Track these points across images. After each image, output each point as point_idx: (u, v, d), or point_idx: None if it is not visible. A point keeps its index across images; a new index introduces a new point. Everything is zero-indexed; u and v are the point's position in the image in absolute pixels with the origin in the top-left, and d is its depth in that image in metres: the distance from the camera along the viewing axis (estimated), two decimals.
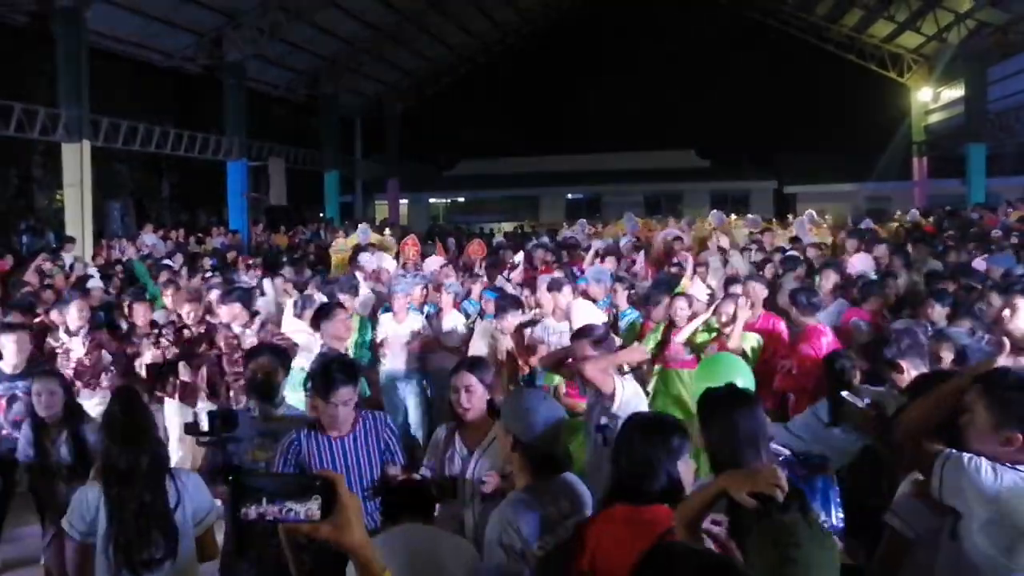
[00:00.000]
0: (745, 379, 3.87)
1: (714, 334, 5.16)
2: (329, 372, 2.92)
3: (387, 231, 14.70)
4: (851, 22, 21.76)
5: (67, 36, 13.02)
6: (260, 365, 3.29)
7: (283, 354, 3.49)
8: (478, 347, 5.45)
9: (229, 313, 5.60)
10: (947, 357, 3.37)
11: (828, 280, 6.48)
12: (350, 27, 18.85)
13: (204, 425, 3.06)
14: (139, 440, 2.63)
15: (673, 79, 27.31)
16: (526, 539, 2.19)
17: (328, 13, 17.39)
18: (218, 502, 2.87)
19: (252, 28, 16.29)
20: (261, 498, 1.15)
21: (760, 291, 5.84)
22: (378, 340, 5.82)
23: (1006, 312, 3.84)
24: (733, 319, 5.03)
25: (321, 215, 21.73)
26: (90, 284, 8.64)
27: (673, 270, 7.96)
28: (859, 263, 7.86)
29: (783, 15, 23.18)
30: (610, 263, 8.31)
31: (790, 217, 17.81)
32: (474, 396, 2.86)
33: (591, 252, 9.05)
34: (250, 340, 5.50)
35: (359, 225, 14.12)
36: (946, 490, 1.99)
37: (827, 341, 4.86)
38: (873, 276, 6.88)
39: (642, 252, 10.14)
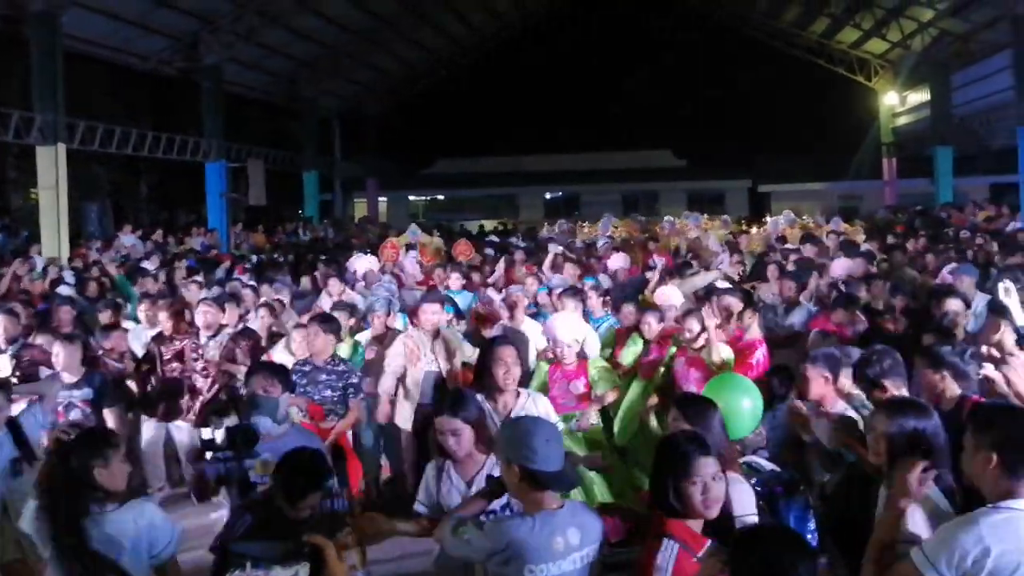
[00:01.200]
0: (754, 399, 3.67)
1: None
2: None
3: (435, 232, 14.39)
4: (819, 29, 22.30)
5: (41, 40, 12.97)
6: (260, 382, 3.31)
7: (283, 371, 3.52)
8: (397, 354, 5.11)
9: (205, 318, 5.59)
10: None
11: (787, 289, 6.55)
12: (327, 31, 18.96)
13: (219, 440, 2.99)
14: (82, 494, 2.57)
15: (650, 81, 27.77)
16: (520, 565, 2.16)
17: (304, 17, 17.49)
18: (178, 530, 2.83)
19: (228, 32, 16.35)
20: (246, 563, 1.17)
21: (735, 304, 5.70)
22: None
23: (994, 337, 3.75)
24: (698, 335, 4.87)
25: (300, 213, 21.86)
26: (63, 289, 8.45)
27: (649, 274, 7.91)
28: (840, 268, 7.76)
29: (753, 21, 23.67)
30: (571, 269, 8.12)
31: (768, 217, 17.94)
32: (463, 438, 2.81)
33: (548, 257, 8.79)
34: (212, 352, 5.43)
35: (410, 225, 13.73)
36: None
37: (761, 354, 4.93)
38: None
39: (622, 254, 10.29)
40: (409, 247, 10.89)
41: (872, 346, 3.44)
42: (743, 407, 3.59)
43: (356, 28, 19.53)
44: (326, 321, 4.87)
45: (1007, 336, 3.59)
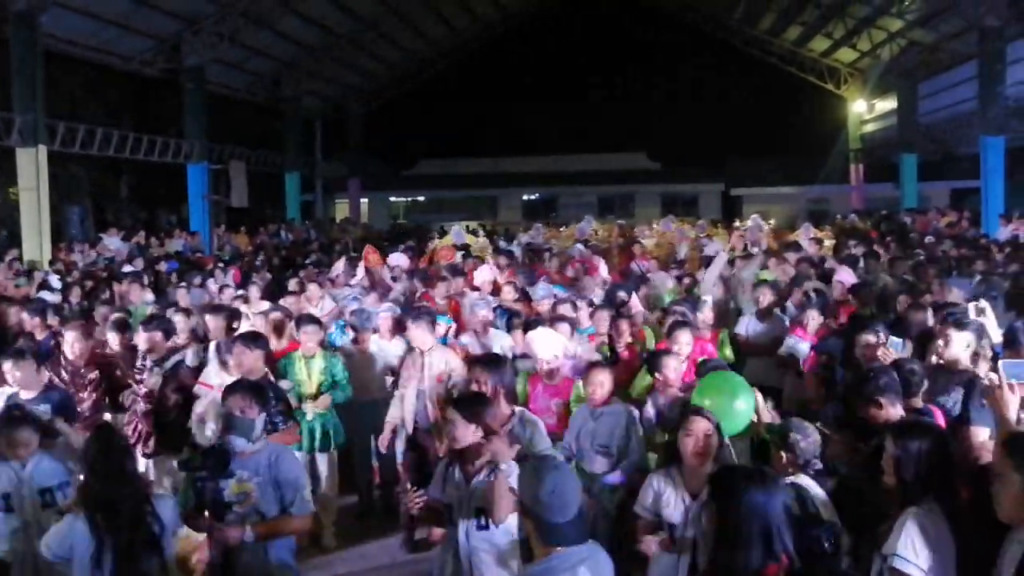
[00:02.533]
0: (747, 399, 3.62)
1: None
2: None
3: (481, 232, 14.19)
4: (792, 37, 22.90)
5: (20, 41, 12.78)
6: (238, 403, 3.27)
7: (259, 390, 3.47)
8: (405, 378, 4.97)
9: (149, 341, 5.06)
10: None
11: (765, 297, 6.44)
12: (310, 32, 19.01)
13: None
14: (118, 477, 2.94)
15: (626, 85, 28.33)
16: None
17: (287, 19, 17.52)
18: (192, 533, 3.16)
19: (211, 33, 16.32)
20: None
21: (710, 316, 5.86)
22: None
23: (940, 343, 3.87)
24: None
25: (282, 213, 21.84)
26: (46, 295, 8.41)
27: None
28: (844, 276, 7.68)
29: (729, 28, 24.21)
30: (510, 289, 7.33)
31: (743, 223, 18.09)
32: (457, 431, 3.02)
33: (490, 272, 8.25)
34: (154, 380, 4.84)
35: (453, 227, 13.46)
36: None
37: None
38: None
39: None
40: (455, 248, 10.78)
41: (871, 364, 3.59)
42: (736, 407, 3.57)
43: (339, 30, 19.60)
44: (251, 339, 4.64)
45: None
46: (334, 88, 23.49)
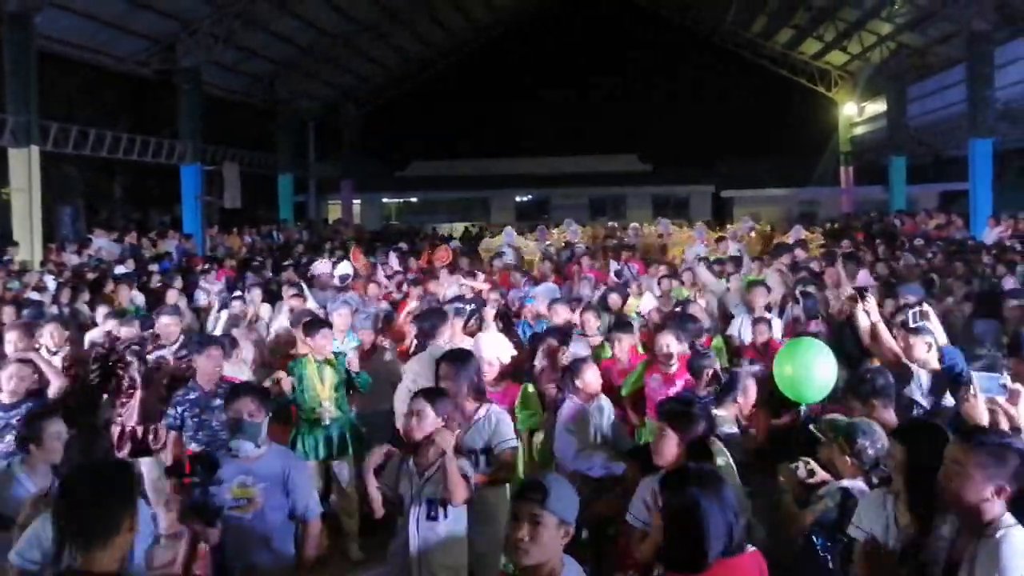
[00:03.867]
0: (830, 364, 3.60)
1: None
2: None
3: (529, 235, 14.25)
4: (784, 39, 23.08)
5: (15, 42, 12.73)
6: (246, 406, 3.24)
7: (265, 394, 3.45)
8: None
9: (162, 329, 5.27)
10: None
11: (760, 298, 6.37)
12: (305, 34, 19.02)
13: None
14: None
15: (619, 87, 28.49)
16: None
17: (283, 21, 17.54)
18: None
19: (207, 35, 16.31)
20: None
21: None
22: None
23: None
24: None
25: (276, 215, 21.85)
26: (35, 295, 8.30)
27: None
28: (863, 279, 7.70)
29: (722, 31, 24.39)
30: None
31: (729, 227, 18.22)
32: (424, 422, 3.10)
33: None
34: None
35: (506, 229, 13.53)
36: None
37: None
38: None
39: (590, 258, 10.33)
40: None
41: (866, 366, 3.66)
42: (817, 372, 3.55)
43: (333, 32, 19.63)
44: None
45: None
46: (329, 90, 23.49)
